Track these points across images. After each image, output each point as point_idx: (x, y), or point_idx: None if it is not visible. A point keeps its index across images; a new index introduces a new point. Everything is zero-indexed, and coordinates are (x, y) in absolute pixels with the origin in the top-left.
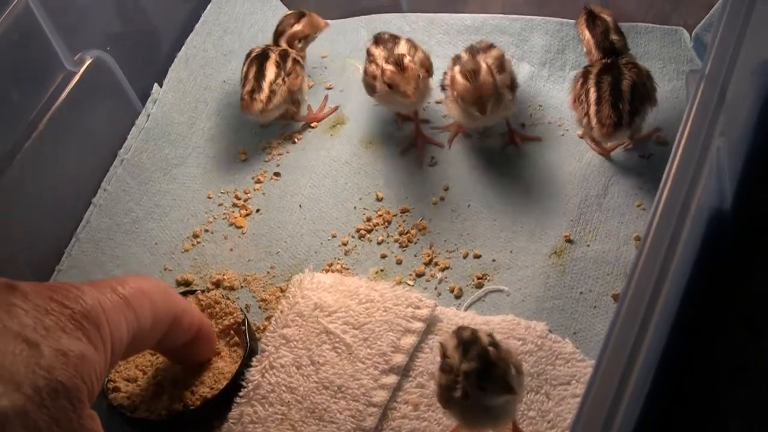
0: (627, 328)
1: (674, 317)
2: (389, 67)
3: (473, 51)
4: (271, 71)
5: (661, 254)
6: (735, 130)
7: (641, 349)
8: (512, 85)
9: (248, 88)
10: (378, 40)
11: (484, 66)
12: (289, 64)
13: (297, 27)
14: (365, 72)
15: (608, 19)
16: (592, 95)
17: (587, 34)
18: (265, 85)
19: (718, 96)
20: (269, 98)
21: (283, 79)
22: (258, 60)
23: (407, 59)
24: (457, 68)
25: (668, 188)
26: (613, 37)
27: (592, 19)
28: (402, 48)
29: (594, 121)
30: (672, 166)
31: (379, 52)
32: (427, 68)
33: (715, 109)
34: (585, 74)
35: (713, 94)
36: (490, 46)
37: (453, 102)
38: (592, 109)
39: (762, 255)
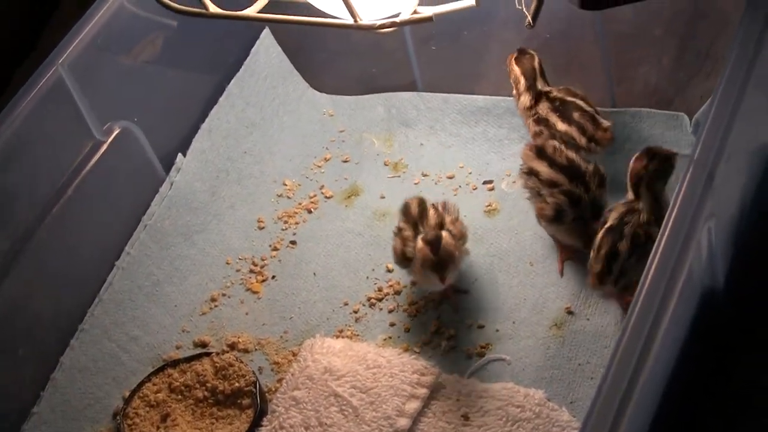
0: (611, 398)
1: (664, 388)
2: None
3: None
4: None
5: (645, 329)
6: (727, 212)
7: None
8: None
9: None
10: (407, 210)
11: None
12: None
13: None
14: (394, 250)
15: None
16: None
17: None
18: None
19: (706, 180)
20: None
21: None
22: None
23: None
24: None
25: (654, 266)
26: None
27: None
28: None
29: None
30: (659, 247)
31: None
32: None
33: (702, 192)
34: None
35: (701, 178)
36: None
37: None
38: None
39: (756, 330)
